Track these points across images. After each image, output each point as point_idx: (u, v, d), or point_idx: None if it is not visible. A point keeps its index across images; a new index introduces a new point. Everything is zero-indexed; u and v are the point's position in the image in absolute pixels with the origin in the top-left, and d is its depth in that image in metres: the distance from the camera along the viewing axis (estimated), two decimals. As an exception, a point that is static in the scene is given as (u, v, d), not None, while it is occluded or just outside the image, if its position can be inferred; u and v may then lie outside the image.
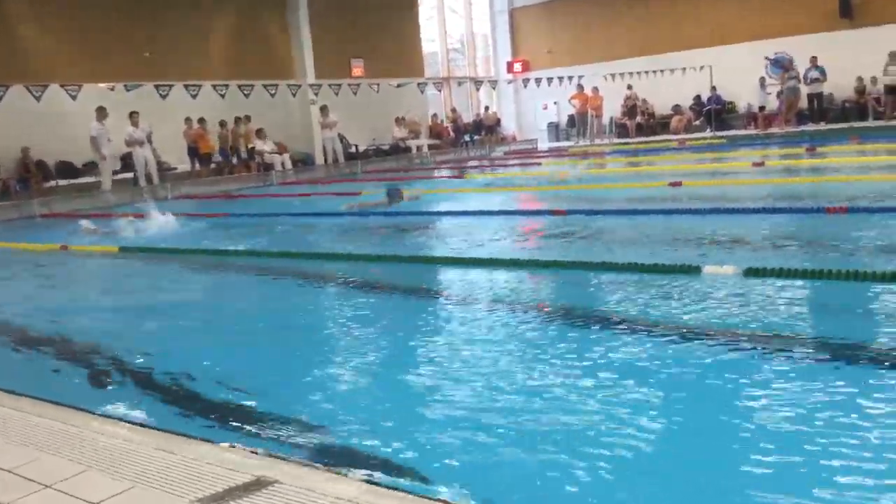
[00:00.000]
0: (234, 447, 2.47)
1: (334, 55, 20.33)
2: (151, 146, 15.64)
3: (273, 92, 18.30)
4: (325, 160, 19.22)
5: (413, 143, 21.58)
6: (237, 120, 17.83)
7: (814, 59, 18.85)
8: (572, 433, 2.57)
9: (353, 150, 20.35)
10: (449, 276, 5.59)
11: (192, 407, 3.13)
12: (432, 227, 8.21)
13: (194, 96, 16.82)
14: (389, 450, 2.54)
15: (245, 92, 17.78)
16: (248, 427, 2.84)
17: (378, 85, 20.60)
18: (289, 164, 18.44)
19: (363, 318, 4.44)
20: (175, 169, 17.03)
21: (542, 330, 3.87)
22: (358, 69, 21.07)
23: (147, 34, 16.95)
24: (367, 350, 3.80)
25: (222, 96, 17.50)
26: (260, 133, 18.02)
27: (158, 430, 2.68)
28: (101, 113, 14.63)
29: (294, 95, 19.15)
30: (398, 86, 21.17)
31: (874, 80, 18.79)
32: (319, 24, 19.79)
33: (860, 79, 19.13)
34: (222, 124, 17.55)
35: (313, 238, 8.23)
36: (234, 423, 2.90)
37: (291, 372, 3.53)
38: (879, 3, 19.25)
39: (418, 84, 22.17)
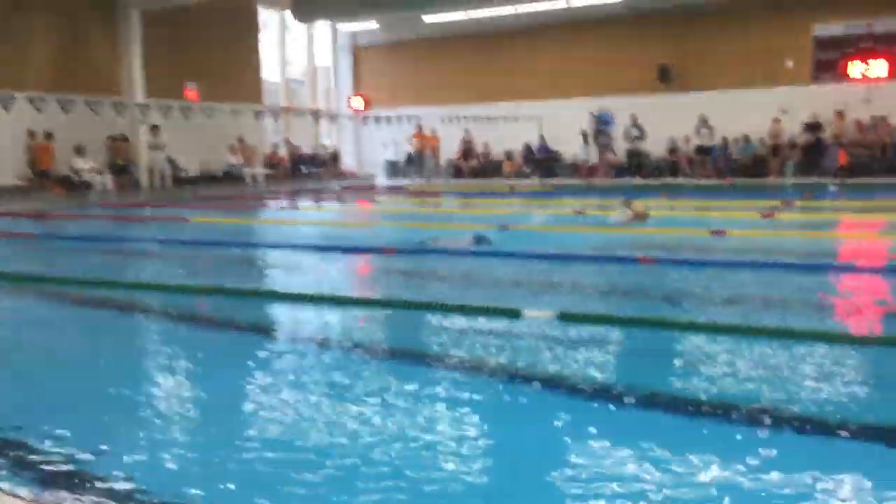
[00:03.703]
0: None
1: (167, 75, 19.53)
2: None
3: (97, 109, 17.28)
4: (152, 183, 18.35)
5: (247, 172, 21.07)
6: (48, 135, 16.68)
7: (634, 116, 20.38)
8: (375, 474, 2.54)
9: (182, 174, 19.57)
10: (268, 311, 5.45)
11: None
12: (256, 259, 8.00)
13: (6, 108, 15.56)
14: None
15: (65, 107, 16.67)
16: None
17: (212, 109, 19.98)
18: (110, 185, 17.43)
19: (161, 353, 4.22)
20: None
21: (357, 370, 3.83)
22: (191, 92, 20.35)
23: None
24: (146, 386, 3.61)
25: (39, 111, 16.31)
26: (80, 150, 16.95)
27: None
28: None
29: (120, 114, 18.17)
30: (233, 112, 20.62)
31: (686, 141, 20.50)
32: (153, 42, 19.00)
33: (673, 139, 20.80)
34: (31, 135, 16.37)
35: (134, 265, 7.78)
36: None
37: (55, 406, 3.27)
38: (694, 72, 21.12)
39: (255, 112, 21.73)
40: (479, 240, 8.13)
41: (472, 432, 2.92)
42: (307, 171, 23.55)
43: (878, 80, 19.33)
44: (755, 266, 6.42)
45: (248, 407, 3.30)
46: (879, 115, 19.09)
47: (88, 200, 16.14)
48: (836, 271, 6.47)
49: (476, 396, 3.34)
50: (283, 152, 23.60)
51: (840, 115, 19.32)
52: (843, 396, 3.26)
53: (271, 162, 22.73)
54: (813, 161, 18.88)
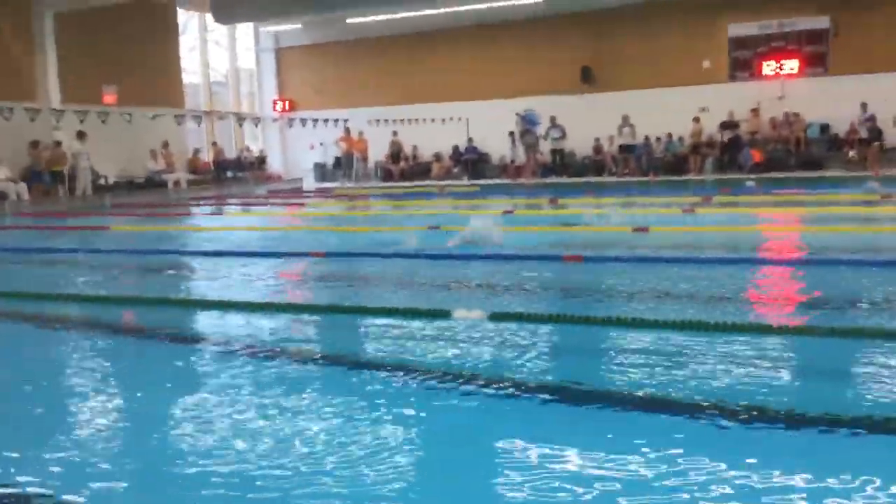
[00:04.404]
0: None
1: (84, 79, 18.88)
2: None
3: (8, 116, 16.60)
4: (72, 190, 17.74)
5: (170, 178, 20.55)
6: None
7: (553, 118, 20.74)
8: (298, 478, 2.51)
9: (101, 181, 18.97)
10: (196, 320, 5.33)
11: None
12: (180, 267, 7.82)
13: None
14: None
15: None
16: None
17: (131, 114, 19.40)
18: (26, 195, 16.77)
19: (77, 365, 4.08)
20: None
21: (287, 375, 3.78)
22: (110, 96, 19.73)
23: None
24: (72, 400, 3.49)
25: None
26: (-9, 158, 16.27)
27: None
28: None
29: (33, 120, 17.47)
30: (153, 116, 20.08)
31: (610, 140, 20.93)
32: (68, 45, 18.36)
33: (597, 139, 21.20)
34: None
35: (49, 276, 7.50)
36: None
37: None
38: (615, 72, 21.58)
39: (176, 116, 21.21)
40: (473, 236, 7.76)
41: (397, 434, 2.91)
42: (233, 175, 23.12)
43: (790, 77, 20.11)
44: (677, 261, 6.59)
45: (163, 416, 3.22)
46: (793, 111, 19.86)
47: (2, 211, 15.50)
48: (753, 264, 6.69)
49: (402, 397, 3.34)
50: (206, 157, 23.11)
51: (755, 112, 20.03)
52: (763, 385, 3.38)
53: (195, 167, 22.22)
54: (731, 158, 19.51)
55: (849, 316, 4.64)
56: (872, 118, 18.36)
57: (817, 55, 20.01)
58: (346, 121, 22.76)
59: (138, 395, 3.66)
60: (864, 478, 2.40)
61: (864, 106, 18.38)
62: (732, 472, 2.48)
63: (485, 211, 12.11)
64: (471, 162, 22.51)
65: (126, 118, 19.20)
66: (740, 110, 19.98)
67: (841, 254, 6.74)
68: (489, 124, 22.24)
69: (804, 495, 2.32)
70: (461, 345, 4.21)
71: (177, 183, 20.63)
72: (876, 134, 18.23)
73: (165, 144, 20.68)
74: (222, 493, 2.48)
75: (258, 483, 2.53)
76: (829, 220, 9.50)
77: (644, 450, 2.67)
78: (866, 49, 19.12)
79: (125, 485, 2.59)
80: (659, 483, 2.43)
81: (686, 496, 2.34)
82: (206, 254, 8.43)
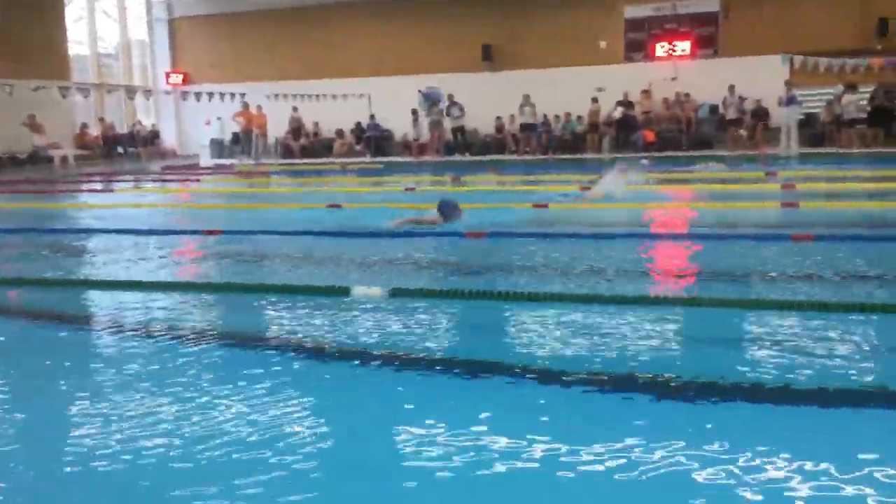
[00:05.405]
0: None
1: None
2: None
3: None
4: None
5: (56, 153, 19.51)
6: None
7: (451, 96, 20.81)
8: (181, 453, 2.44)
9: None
10: (85, 300, 5.10)
11: None
12: (74, 246, 7.45)
13: None
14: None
15: None
16: None
17: (11, 87, 18.23)
18: None
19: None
20: None
21: (183, 354, 3.67)
22: (-13, 68, 18.47)
23: None
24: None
25: None
26: None
27: None
28: None
29: None
30: (36, 89, 18.93)
31: (511, 119, 21.13)
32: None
33: (499, 117, 21.37)
34: None
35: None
36: None
37: None
38: (516, 52, 21.78)
39: (60, 88, 20.08)
40: (445, 209, 7.41)
41: (294, 411, 2.88)
42: (123, 151, 22.15)
43: (682, 58, 20.77)
44: (576, 236, 6.74)
45: (48, 399, 3.08)
46: (685, 92, 20.54)
47: None
48: (645, 238, 6.91)
49: (300, 374, 3.30)
50: (95, 132, 22.04)
51: (647, 93, 20.61)
52: (654, 354, 3.50)
53: (83, 142, 21.16)
54: (626, 137, 20.04)
55: (738, 287, 4.85)
56: (741, 100, 19.24)
57: (708, 37, 20.74)
58: (243, 95, 22.11)
59: (18, 378, 3.47)
60: (755, 446, 2.53)
61: (731, 88, 19.19)
62: (628, 441, 2.56)
63: (385, 188, 12.03)
64: (373, 139, 22.30)
65: (6, 90, 18.05)
66: (635, 91, 20.52)
67: (729, 229, 7.04)
68: (392, 101, 22.07)
69: (694, 463, 2.42)
70: (361, 321, 4.17)
71: (64, 159, 19.61)
72: (762, 114, 19.09)
73: (32, 117, 19.28)
74: (110, 469, 2.39)
75: (147, 462, 2.45)
76: (717, 198, 9.91)
77: (543, 419, 2.72)
78: (754, 31, 19.95)
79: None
80: (556, 450, 2.48)
81: (584, 465, 2.40)
82: (94, 231, 8.06)
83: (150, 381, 3.28)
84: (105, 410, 2.96)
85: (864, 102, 18.37)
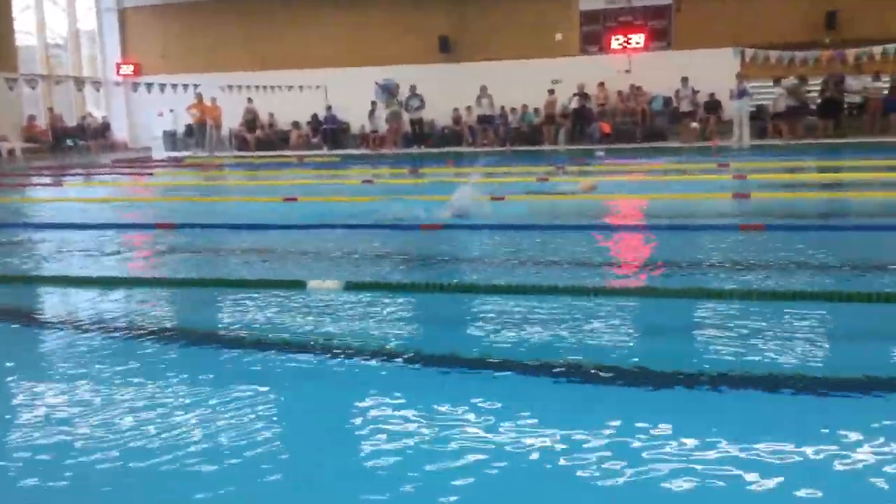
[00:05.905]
0: None
1: None
2: None
3: None
4: None
5: (3, 146, 19.00)
6: None
7: (412, 87, 20.74)
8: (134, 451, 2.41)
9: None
10: (39, 296, 4.98)
11: None
12: (22, 242, 7.26)
13: None
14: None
15: None
16: None
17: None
18: None
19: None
20: None
21: (135, 350, 3.61)
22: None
23: None
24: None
25: None
26: None
27: None
28: None
29: None
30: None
31: (469, 111, 21.15)
32: None
33: (456, 109, 21.37)
34: None
35: None
36: None
37: None
38: (473, 44, 21.79)
39: (7, 79, 19.55)
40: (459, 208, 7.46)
41: (250, 406, 2.85)
42: (73, 144, 21.65)
43: (636, 51, 20.99)
44: (532, 228, 6.78)
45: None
46: (638, 84, 20.76)
47: None
48: (601, 230, 6.98)
49: (255, 370, 3.27)
50: (43, 124, 21.50)
51: (601, 86, 20.77)
52: (612, 343, 3.54)
53: (30, 135, 20.64)
54: (582, 129, 20.20)
55: (691, 277, 4.93)
56: (694, 92, 19.55)
57: (661, 30, 20.99)
58: (196, 86, 21.75)
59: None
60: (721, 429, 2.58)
61: (684, 80, 19.48)
62: (590, 429, 2.59)
63: (342, 181, 11.97)
64: (330, 131, 22.14)
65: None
66: (591, 83, 20.67)
67: (682, 219, 7.15)
68: (349, 93, 21.91)
69: (659, 448, 2.46)
70: (316, 315, 4.15)
71: (11, 152, 19.12)
72: (715, 106, 19.38)
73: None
74: (67, 464, 2.34)
75: (104, 461, 2.41)
76: (670, 188, 10.05)
77: (502, 409, 2.74)
78: (706, 24, 20.24)
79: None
80: (512, 439, 2.50)
81: (540, 452, 2.42)
82: (43, 227, 7.87)
83: (100, 378, 3.22)
84: (54, 410, 2.90)
85: (815, 94, 18.77)
